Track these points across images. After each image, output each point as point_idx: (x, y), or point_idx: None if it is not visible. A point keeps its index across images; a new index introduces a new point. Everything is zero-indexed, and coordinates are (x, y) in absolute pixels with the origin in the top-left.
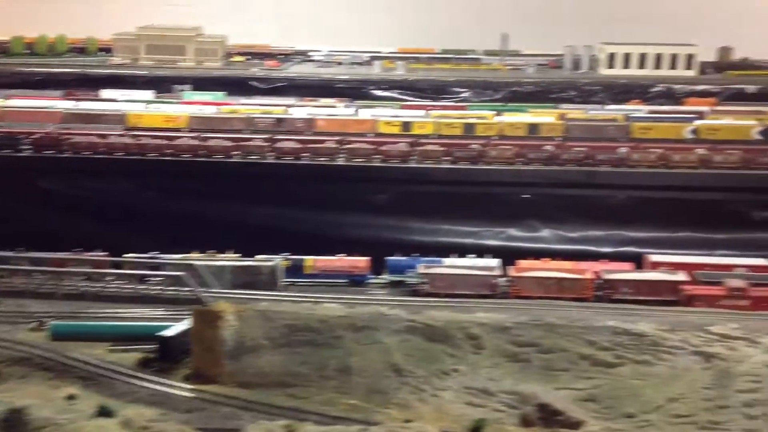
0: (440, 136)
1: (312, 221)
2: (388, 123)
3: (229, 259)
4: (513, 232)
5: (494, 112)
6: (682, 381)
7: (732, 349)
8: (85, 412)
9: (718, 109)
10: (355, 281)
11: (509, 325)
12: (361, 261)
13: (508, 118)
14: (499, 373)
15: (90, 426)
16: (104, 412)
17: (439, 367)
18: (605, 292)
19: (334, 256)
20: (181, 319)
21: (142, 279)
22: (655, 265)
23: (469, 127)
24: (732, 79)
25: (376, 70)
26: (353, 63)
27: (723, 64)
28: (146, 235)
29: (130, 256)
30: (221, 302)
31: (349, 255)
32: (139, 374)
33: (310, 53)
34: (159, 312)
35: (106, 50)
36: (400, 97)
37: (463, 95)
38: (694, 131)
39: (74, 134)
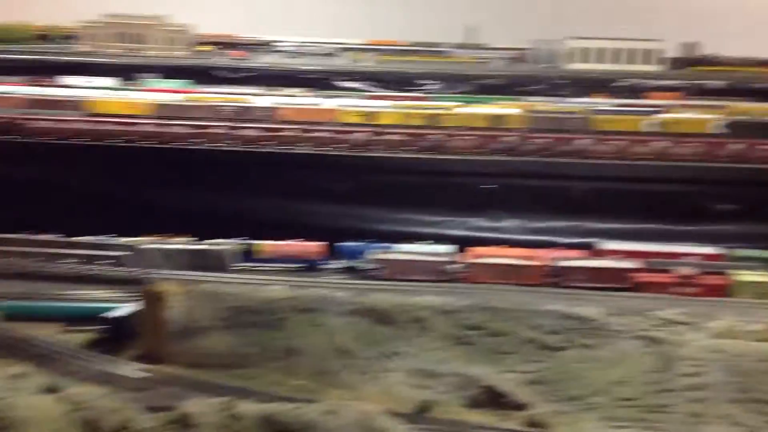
0: (403, 126)
1: (278, 209)
2: (350, 112)
3: (180, 243)
4: (474, 221)
5: (458, 104)
6: (625, 364)
7: (676, 334)
8: (28, 390)
9: (679, 103)
10: (308, 266)
11: (455, 308)
12: (313, 246)
13: (471, 109)
14: (444, 356)
15: (27, 401)
16: (49, 391)
17: (385, 350)
18: (557, 278)
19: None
20: (132, 300)
21: (93, 260)
22: (609, 253)
23: (432, 118)
24: (695, 74)
25: (344, 62)
26: (321, 54)
27: (687, 60)
28: (109, 220)
29: (82, 238)
30: (168, 283)
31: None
32: (89, 354)
33: (278, 44)
34: (111, 293)
35: (72, 38)
36: (366, 88)
37: (430, 87)
38: (655, 124)
39: (35, 119)
